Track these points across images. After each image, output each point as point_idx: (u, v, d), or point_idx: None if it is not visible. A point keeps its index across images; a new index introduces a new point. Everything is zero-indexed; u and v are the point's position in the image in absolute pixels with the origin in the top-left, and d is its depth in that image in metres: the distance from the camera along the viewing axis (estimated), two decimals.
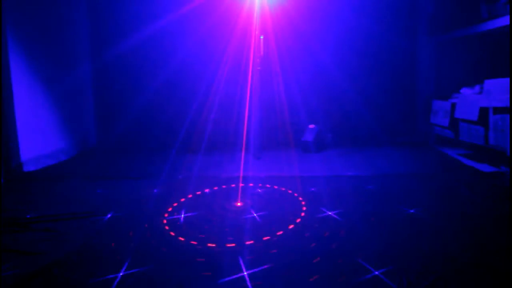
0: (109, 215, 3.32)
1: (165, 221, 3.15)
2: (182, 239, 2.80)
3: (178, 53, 6.60)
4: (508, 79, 4.29)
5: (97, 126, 6.85)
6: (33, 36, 5.26)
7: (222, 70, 6.56)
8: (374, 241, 2.68)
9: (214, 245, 2.67)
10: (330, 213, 3.27)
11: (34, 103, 5.26)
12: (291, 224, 3.06)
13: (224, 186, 4.14)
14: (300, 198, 3.69)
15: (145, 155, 5.98)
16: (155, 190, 4.06)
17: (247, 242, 2.70)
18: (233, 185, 4.17)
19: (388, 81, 6.75)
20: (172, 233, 2.91)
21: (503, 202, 3.46)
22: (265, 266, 2.33)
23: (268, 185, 4.14)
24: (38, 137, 5.29)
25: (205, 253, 2.55)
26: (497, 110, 4.40)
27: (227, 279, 2.20)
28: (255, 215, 3.26)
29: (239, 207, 3.50)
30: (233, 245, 2.67)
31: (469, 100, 4.98)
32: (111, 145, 6.71)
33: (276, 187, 4.09)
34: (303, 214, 3.28)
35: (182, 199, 3.73)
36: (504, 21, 4.66)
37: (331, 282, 2.16)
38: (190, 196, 3.84)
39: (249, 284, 2.13)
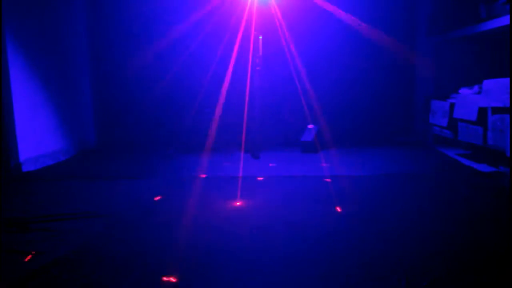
0: (108, 215, 3.32)
1: None
2: None
3: (177, 54, 6.60)
4: (507, 79, 4.30)
5: (96, 126, 6.85)
6: (32, 36, 5.25)
7: (221, 71, 6.56)
8: (372, 241, 2.69)
9: None
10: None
11: (33, 103, 5.26)
12: None
13: None
14: None
15: (144, 155, 5.98)
16: (154, 190, 4.06)
17: None
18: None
19: (387, 81, 6.77)
20: None
21: (502, 202, 3.47)
22: None
23: None
24: (37, 137, 5.29)
25: None
26: (496, 110, 4.41)
27: None
28: None
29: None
30: None
31: (468, 100, 4.99)
32: (110, 145, 6.71)
33: None
34: None
35: None
36: (502, 21, 4.67)
37: None
38: None
39: None
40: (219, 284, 2.17)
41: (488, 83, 4.67)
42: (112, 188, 4.22)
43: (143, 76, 6.72)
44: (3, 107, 4.72)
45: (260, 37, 5.94)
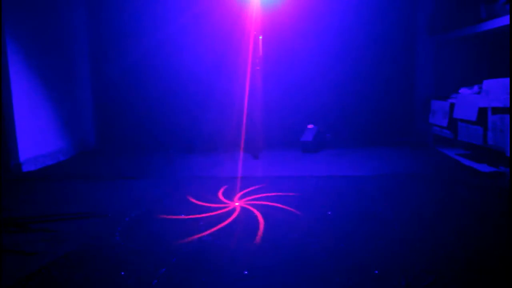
0: (107, 215, 3.32)
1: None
2: None
3: (177, 53, 6.60)
4: (507, 79, 4.30)
5: (96, 127, 6.85)
6: (32, 36, 5.26)
7: (221, 71, 6.56)
8: (372, 241, 2.69)
9: None
10: (329, 213, 3.28)
11: (33, 103, 5.26)
12: None
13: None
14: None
15: (144, 155, 5.98)
16: (154, 190, 4.06)
17: None
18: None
19: (387, 81, 6.76)
20: None
21: (502, 202, 3.47)
22: None
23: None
24: (37, 137, 5.29)
25: None
26: (495, 110, 4.41)
27: None
28: None
29: None
30: None
31: (468, 100, 4.99)
32: (110, 145, 6.71)
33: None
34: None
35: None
36: (503, 21, 4.67)
37: None
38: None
39: None
40: (219, 283, 2.17)
41: (488, 83, 4.67)
42: (112, 188, 4.22)
43: (143, 76, 6.72)
44: (3, 107, 4.73)
45: (260, 37, 5.95)
